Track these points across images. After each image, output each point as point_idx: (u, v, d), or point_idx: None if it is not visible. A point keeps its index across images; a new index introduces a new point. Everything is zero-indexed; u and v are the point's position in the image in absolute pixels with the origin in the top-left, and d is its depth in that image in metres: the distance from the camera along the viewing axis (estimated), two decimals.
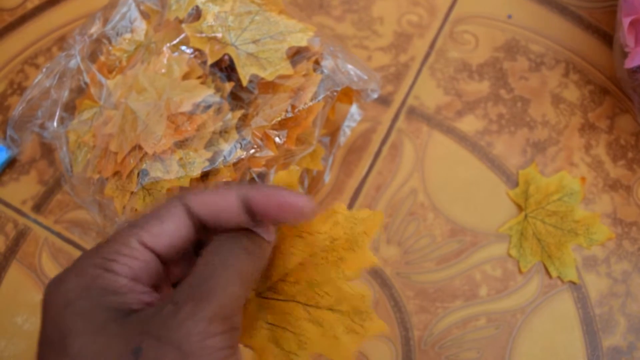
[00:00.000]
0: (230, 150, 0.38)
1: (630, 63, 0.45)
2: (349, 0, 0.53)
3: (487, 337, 0.42)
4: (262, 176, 0.41)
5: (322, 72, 0.40)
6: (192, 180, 0.37)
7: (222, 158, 0.38)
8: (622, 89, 0.49)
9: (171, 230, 0.25)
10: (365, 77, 0.42)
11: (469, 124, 0.48)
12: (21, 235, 0.46)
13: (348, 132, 0.45)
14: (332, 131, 0.45)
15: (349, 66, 0.42)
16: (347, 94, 0.44)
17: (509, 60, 0.50)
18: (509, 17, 0.52)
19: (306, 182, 0.43)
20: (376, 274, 0.44)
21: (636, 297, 0.43)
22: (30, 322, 0.44)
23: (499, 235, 0.44)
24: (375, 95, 0.43)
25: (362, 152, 0.47)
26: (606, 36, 0.51)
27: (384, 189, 0.46)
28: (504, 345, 0.42)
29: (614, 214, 0.45)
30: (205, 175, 0.39)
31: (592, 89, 0.49)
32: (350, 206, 0.46)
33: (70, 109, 0.45)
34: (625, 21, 0.46)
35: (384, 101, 0.49)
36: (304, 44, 0.40)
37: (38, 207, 0.47)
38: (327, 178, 0.45)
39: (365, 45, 0.51)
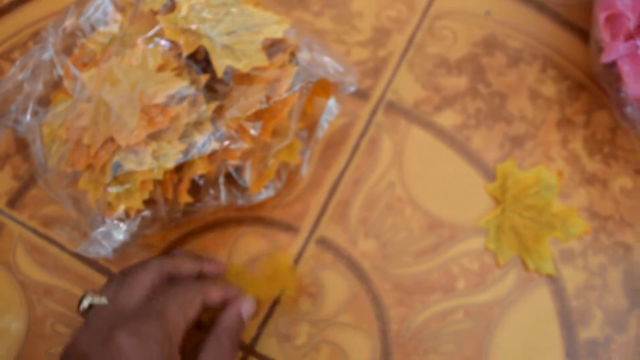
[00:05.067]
0: (204, 142, 0.38)
1: (606, 58, 0.46)
2: None
3: (464, 331, 0.42)
4: (239, 169, 0.40)
5: (297, 63, 0.40)
6: (165, 172, 0.37)
7: (195, 150, 0.37)
8: (598, 84, 0.49)
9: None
10: (342, 70, 0.42)
11: (447, 119, 0.48)
12: None
13: (326, 126, 0.45)
14: (310, 125, 0.45)
15: (326, 58, 0.42)
16: (325, 88, 0.44)
17: (487, 55, 0.50)
18: (488, 13, 0.52)
19: (284, 176, 0.43)
20: (354, 267, 0.44)
21: (612, 290, 0.43)
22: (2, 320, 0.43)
23: (477, 229, 0.45)
24: (352, 89, 0.43)
25: (340, 146, 0.47)
26: (583, 32, 0.51)
27: (362, 182, 0.46)
28: (482, 338, 0.42)
29: (591, 207, 0.45)
30: (179, 167, 0.38)
31: (569, 85, 0.49)
32: (327, 201, 0.45)
33: (45, 103, 0.45)
34: (601, 16, 0.46)
35: (362, 96, 0.49)
36: (279, 35, 0.39)
37: (12, 203, 0.46)
38: (305, 171, 0.44)
39: (343, 40, 0.51)
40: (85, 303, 0.36)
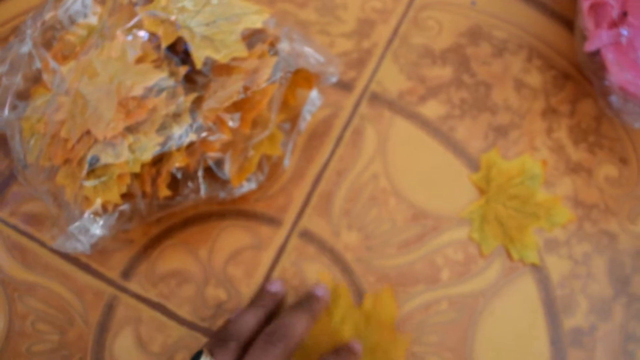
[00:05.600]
0: (182, 134, 0.37)
1: (590, 46, 0.45)
2: None
3: (449, 321, 0.42)
4: (219, 163, 0.40)
5: (277, 54, 0.39)
6: (143, 165, 0.37)
7: (173, 142, 0.37)
8: (583, 73, 0.49)
9: None
10: (324, 60, 0.41)
11: (432, 109, 0.48)
12: None
13: (308, 117, 0.44)
14: (293, 117, 0.44)
15: (306, 49, 0.41)
16: (306, 79, 0.43)
17: (472, 46, 0.50)
18: (473, 3, 0.52)
19: (266, 169, 0.42)
20: (337, 260, 0.43)
21: (597, 278, 0.43)
22: None
23: (461, 220, 0.44)
24: (334, 79, 0.42)
25: (324, 137, 0.47)
26: (568, 22, 0.51)
27: (346, 174, 0.46)
28: (466, 329, 0.42)
29: (575, 196, 0.45)
30: (157, 160, 0.38)
31: (555, 74, 0.49)
32: (310, 194, 0.45)
33: (25, 97, 0.44)
34: (585, 5, 0.46)
35: (346, 87, 0.48)
36: (258, 25, 0.39)
37: None
38: (287, 163, 0.44)
39: (327, 31, 0.51)
40: None
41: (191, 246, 0.44)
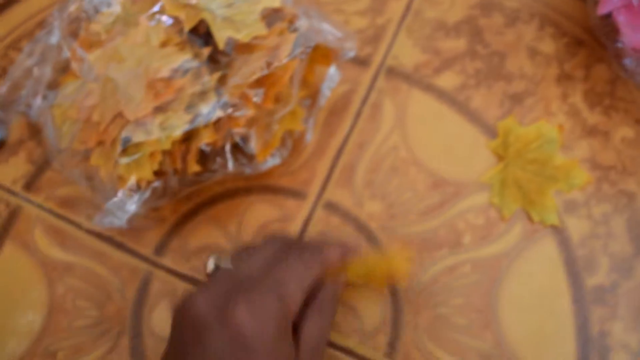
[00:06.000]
0: (209, 111, 0.39)
1: (602, 10, 0.46)
2: None
3: (473, 283, 0.43)
4: (245, 138, 0.42)
5: (296, 30, 0.41)
6: (173, 142, 0.38)
7: (201, 118, 0.38)
8: (596, 38, 0.50)
9: None
10: (341, 36, 0.43)
11: (447, 81, 0.49)
12: (14, 214, 0.47)
13: (328, 93, 0.46)
14: (312, 93, 0.46)
15: (324, 25, 0.43)
16: (325, 55, 0.45)
17: (484, 16, 0.51)
18: None
19: (289, 144, 0.44)
20: (362, 229, 0.45)
21: (617, 237, 0.44)
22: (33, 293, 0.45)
23: (481, 185, 0.45)
24: (352, 54, 0.44)
25: (343, 112, 0.48)
26: None
27: (366, 146, 0.47)
28: (490, 290, 0.43)
29: (593, 158, 0.46)
30: (186, 138, 0.40)
31: (568, 41, 0.50)
32: (333, 167, 0.47)
33: (55, 87, 0.46)
34: None
35: (362, 63, 0.50)
36: (277, 4, 0.40)
37: (28, 186, 0.48)
38: (309, 138, 0.46)
39: (342, 10, 0.52)
40: (210, 264, 0.37)
41: (220, 221, 0.46)
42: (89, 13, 0.46)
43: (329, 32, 0.43)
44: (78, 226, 0.47)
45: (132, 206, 0.39)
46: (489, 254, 0.44)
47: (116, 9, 0.45)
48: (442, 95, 0.49)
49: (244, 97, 0.40)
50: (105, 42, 0.44)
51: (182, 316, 0.33)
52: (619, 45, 0.47)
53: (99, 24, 0.45)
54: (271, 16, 0.42)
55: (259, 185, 0.47)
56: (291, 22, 0.42)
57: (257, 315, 0.32)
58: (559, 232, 0.44)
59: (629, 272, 0.43)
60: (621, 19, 0.45)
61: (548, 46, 0.50)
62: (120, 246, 0.47)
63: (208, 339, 0.31)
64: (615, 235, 0.44)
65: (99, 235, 0.47)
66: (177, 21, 0.43)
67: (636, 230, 0.44)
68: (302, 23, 0.42)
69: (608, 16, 0.47)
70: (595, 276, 0.43)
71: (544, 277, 0.43)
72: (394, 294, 0.44)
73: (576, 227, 0.44)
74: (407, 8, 0.52)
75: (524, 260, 0.44)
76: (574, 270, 0.44)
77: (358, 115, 0.48)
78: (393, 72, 0.49)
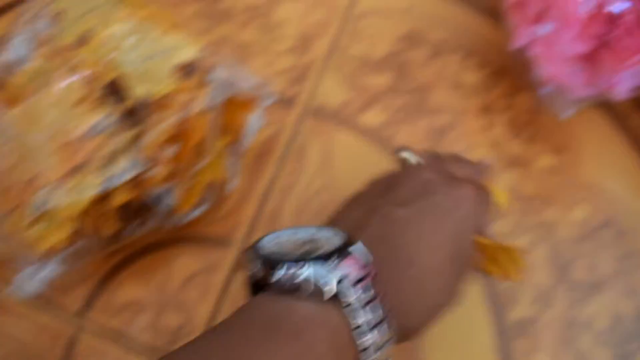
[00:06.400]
0: (125, 170, 0.39)
1: (515, 43, 0.47)
2: (253, 6, 0.54)
3: None
4: (164, 193, 0.42)
5: (212, 82, 0.41)
6: (89, 203, 0.39)
7: (117, 178, 0.39)
8: (515, 68, 0.51)
9: None
10: (258, 83, 0.43)
11: (373, 118, 0.49)
12: None
13: (250, 139, 0.46)
14: (235, 139, 0.46)
15: (241, 73, 0.43)
16: (244, 104, 0.45)
17: (409, 50, 0.52)
18: (409, 8, 0.54)
19: (213, 193, 0.44)
20: None
21: (539, 268, 0.45)
22: None
23: None
24: (270, 101, 0.44)
25: (269, 155, 0.49)
26: (500, 18, 0.52)
27: (292, 190, 0.48)
28: None
29: (515, 189, 0.47)
30: (103, 197, 0.40)
31: (490, 71, 0.51)
32: (258, 213, 0.47)
33: None
34: (507, 2, 0.47)
35: (288, 103, 0.50)
36: (191, 57, 0.41)
37: None
38: (234, 184, 0.46)
39: (269, 50, 0.52)
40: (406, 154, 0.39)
41: (147, 275, 0.46)
42: (6, 70, 0.46)
43: (246, 80, 0.44)
44: None
45: (50, 271, 0.40)
46: None
47: (33, 65, 0.46)
48: (367, 133, 0.49)
49: (160, 154, 0.40)
50: (21, 100, 0.44)
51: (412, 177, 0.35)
52: (536, 76, 0.48)
53: (16, 81, 0.45)
54: (187, 68, 0.43)
55: (185, 236, 0.47)
56: (206, 73, 0.42)
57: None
58: None
59: (549, 302, 0.45)
60: (536, 51, 0.46)
61: (471, 77, 0.51)
62: (42, 306, 0.46)
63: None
64: (536, 266, 0.45)
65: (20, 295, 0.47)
66: (92, 77, 0.43)
67: (557, 260, 0.46)
68: (217, 74, 0.43)
69: (525, 47, 0.48)
70: (517, 309, 0.44)
71: (466, 313, 0.44)
72: None
73: None
74: (333, 45, 0.53)
75: None
76: (496, 304, 0.44)
77: (284, 158, 0.49)
78: (319, 112, 0.50)
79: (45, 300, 0.46)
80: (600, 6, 0.42)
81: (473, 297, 0.44)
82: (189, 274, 0.46)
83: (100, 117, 0.41)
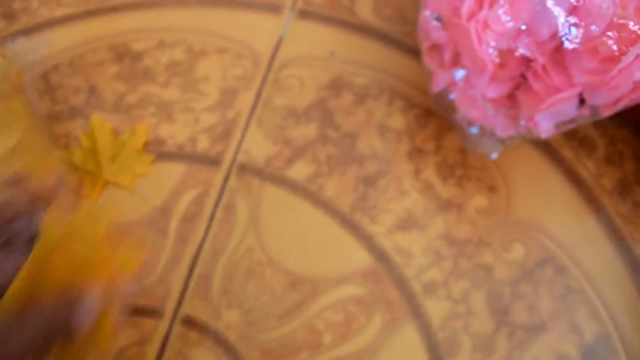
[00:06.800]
0: None
1: (434, 87, 0.47)
2: (174, 64, 0.53)
3: None
4: None
5: None
6: None
7: None
8: (441, 109, 0.50)
9: None
10: None
11: (299, 171, 0.48)
12: None
13: None
14: None
15: None
16: None
17: (334, 98, 0.51)
18: (332, 54, 0.53)
19: None
20: (220, 341, 0.44)
21: (477, 314, 0.44)
22: None
23: (337, 279, 0.45)
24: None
25: (196, 218, 0.47)
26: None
27: (221, 252, 0.46)
28: None
29: (448, 234, 0.46)
30: None
31: (417, 113, 0.50)
32: (188, 278, 0.46)
33: None
34: (424, 46, 0.47)
35: (213, 162, 0.49)
36: None
37: None
38: None
39: (191, 108, 0.51)
40: None
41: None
42: None
43: None
44: None
45: None
46: (350, 351, 0.43)
47: None
48: (294, 187, 0.48)
49: None
50: None
51: None
52: (458, 118, 0.47)
53: None
54: None
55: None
56: None
57: None
58: (419, 317, 0.44)
59: (490, 349, 0.43)
60: (453, 96, 0.46)
61: (398, 121, 0.50)
62: None
63: None
64: (475, 312, 0.44)
65: None
66: None
67: (495, 303, 0.45)
68: None
69: (442, 93, 0.47)
70: (457, 358, 0.43)
71: None
72: None
73: (436, 309, 0.44)
74: (257, 97, 0.52)
75: (386, 353, 0.43)
76: (436, 356, 0.43)
77: (211, 219, 0.47)
78: (245, 169, 0.49)
79: None
80: (510, 50, 0.42)
81: (411, 350, 0.43)
82: (122, 347, 0.44)
83: None
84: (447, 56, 0.45)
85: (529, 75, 0.43)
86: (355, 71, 0.53)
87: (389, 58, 0.53)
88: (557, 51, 0.41)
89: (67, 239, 0.31)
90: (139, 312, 0.45)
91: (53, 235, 0.30)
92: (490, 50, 0.41)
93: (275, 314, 0.45)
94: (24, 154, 0.42)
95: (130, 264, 0.32)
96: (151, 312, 0.45)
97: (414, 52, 0.53)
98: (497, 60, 0.41)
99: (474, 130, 0.48)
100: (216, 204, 0.48)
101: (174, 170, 0.49)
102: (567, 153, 0.50)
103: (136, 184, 0.49)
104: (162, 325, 0.45)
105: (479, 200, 0.48)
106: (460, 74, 0.45)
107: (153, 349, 0.44)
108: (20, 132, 0.42)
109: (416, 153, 0.50)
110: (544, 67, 0.41)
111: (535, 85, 0.42)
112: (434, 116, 0.51)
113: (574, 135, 0.50)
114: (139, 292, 0.46)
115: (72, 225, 0.31)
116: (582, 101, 0.43)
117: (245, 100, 0.52)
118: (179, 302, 0.45)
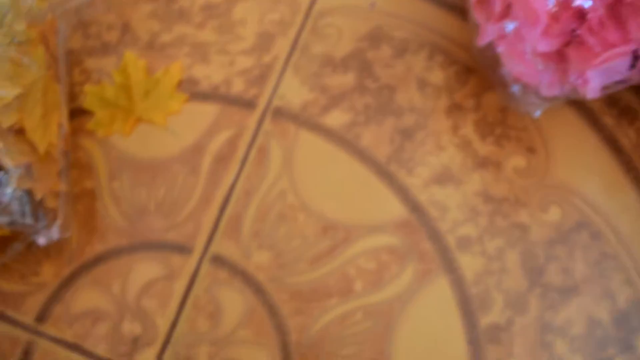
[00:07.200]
0: None
1: (480, 41, 0.45)
2: (210, 5, 0.52)
3: (365, 331, 0.42)
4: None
5: None
6: None
7: None
8: (483, 65, 0.49)
9: None
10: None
11: (336, 119, 0.47)
12: None
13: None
14: None
15: None
16: None
17: (373, 49, 0.50)
18: (372, 5, 0.52)
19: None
20: (249, 282, 0.43)
21: (510, 272, 0.43)
22: None
23: (371, 227, 0.44)
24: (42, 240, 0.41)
25: (229, 159, 0.46)
26: (465, 14, 0.51)
27: (253, 194, 0.45)
28: (383, 337, 0.42)
29: (485, 191, 0.45)
30: None
31: (457, 69, 0.49)
32: (219, 218, 0.45)
33: None
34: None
35: (248, 104, 0.48)
36: None
37: None
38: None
39: (227, 50, 0.50)
40: None
41: (104, 283, 0.44)
42: None
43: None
44: None
45: None
46: (381, 299, 0.43)
47: None
48: (330, 134, 0.47)
49: None
50: None
51: None
52: (502, 74, 0.46)
53: None
54: None
55: (143, 242, 0.44)
56: None
57: None
58: (452, 271, 0.43)
59: (523, 307, 0.43)
60: (500, 50, 0.45)
61: (437, 76, 0.49)
62: (0, 316, 0.44)
63: None
64: (509, 270, 0.43)
65: None
66: None
67: (529, 263, 0.44)
68: None
69: (490, 45, 0.46)
70: (489, 315, 0.42)
71: (438, 319, 0.42)
72: (284, 348, 0.42)
73: (470, 264, 0.43)
74: (294, 44, 0.51)
75: (417, 304, 0.42)
76: (468, 310, 0.42)
77: (244, 161, 0.46)
78: (280, 113, 0.48)
79: (2, 305, 0.43)
80: (566, 2, 0.40)
81: (443, 302, 0.42)
82: (147, 280, 0.43)
83: None
84: (497, 8, 0.44)
85: (582, 30, 0.42)
86: (394, 24, 0.52)
87: (429, 13, 0.52)
88: (616, 4, 0.40)
89: None
90: (167, 247, 0.44)
91: None
92: (549, 1, 0.40)
93: (307, 258, 0.44)
94: (26, 106, 0.41)
95: None
96: (180, 249, 0.44)
97: (455, 8, 0.52)
98: (554, 10, 0.40)
99: (517, 88, 0.47)
100: (249, 146, 0.47)
101: (208, 111, 0.48)
102: (608, 120, 0.49)
103: (169, 121, 0.48)
104: (191, 262, 0.44)
105: (518, 160, 0.47)
106: (510, 26, 0.43)
107: (181, 285, 0.44)
108: (29, 83, 0.41)
109: (455, 109, 0.48)
110: (600, 20, 0.40)
111: (590, 40, 0.41)
112: (474, 74, 0.50)
113: (615, 103, 0.49)
114: (169, 229, 0.45)
115: None
116: (634, 62, 0.41)
117: (281, 45, 0.51)
118: (209, 241, 0.45)
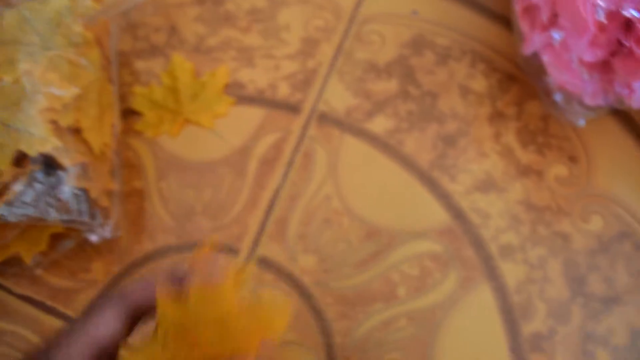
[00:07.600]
0: None
1: (526, 50, 0.46)
2: (255, 10, 0.52)
3: (408, 337, 0.42)
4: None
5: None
6: None
7: None
8: (526, 74, 0.49)
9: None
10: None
11: (379, 124, 0.48)
12: None
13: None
14: None
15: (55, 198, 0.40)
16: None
17: (415, 56, 0.50)
18: (415, 13, 0.52)
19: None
20: (295, 285, 0.44)
21: (553, 281, 0.43)
22: None
23: (415, 233, 0.45)
24: (94, 237, 0.42)
25: (274, 162, 0.47)
26: (509, 23, 0.51)
27: (299, 198, 0.46)
28: (426, 343, 0.42)
29: (527, 200, 0.46)
30: None
31: (499, 77, 0.50)
32: (265, 221, 0.45)
33: None
34: (518, 7, 0.46)
35: (293, 109, 0.49)
36: (32, 154, 0.38)
37: None
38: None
39: (272, 55, 0.51)
40: None
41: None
42: None
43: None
44: (8, 291, 0.46)
45: None
46: (424, 305, 0.43)
47: None
48: (374, 139, 0.48)
49: None
50: None
51: None
52: (547, 83, 0.47)
53: None
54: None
55: (191, 242, 0.45)
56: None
57: None
58: (495, 279, 0.44)
59: (565, 317, 0.43)
60: (545, 59, 0.45)
61: (480, 83, 0.50)
62: (51, 311, 0.45)
63: None
64: (551, 279, 0.44)
65: (29, 300, 0.45)
66: None
67: (572, 272, 0.44)
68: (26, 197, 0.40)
69: (535, 54, 0.46)
70: (532, 323, 0.43)
71: (480, 326, 0.43)
72: (329, 351, 0.43)
73: (512, 272, 0.44)
74: (338, 49, 0.51)
75: (459, 311, 0.43)
76: (510, 318, 0.43)
77: (290, 165, 0.47)
78: (325, 118, 0.49)
79: (56, 302, 0.46)
80: (615, 11, 0.41)
81: (486, 310, 0.43)
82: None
83: None
84: (544, 17, 0.44)
85: (629, 40, 0.42)
86: (437, 31, 0.52)
87: (471, 21, 0.52)
88: None
89: (203, 312, 0.30)
90: (214, 248, 0.45)
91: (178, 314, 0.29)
92: (597, 10, 0.40)
93: (351, 262, 0.45)
94: (83, 106, 0.42)
95: (275, 327, 0.30)
96: (227, 250, 0.45)
97: (497, 17, 0.52)
98: (603, 20, 0.40)
99: (560, 97, 0.47)
100: (295, 151, 0.48)
101: (254, 114, 0.49)
102: None
103: (215, 124, 0.49)
104: (237, 264, 0.45)
105: (559, 169, 0.47)
106: (557, 36, 0.44)
107: None
108: (86, 84, 0.42)
109: (497, 117, 0.49)
110: None
111: (638, 50, 0.41)
112: (516, 82, 0.50)
113: None
114: (216, 230, 0.46)
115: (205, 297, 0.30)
116: None
117: (326, 51, 0.51)
118: (255, 243, 0.45)
